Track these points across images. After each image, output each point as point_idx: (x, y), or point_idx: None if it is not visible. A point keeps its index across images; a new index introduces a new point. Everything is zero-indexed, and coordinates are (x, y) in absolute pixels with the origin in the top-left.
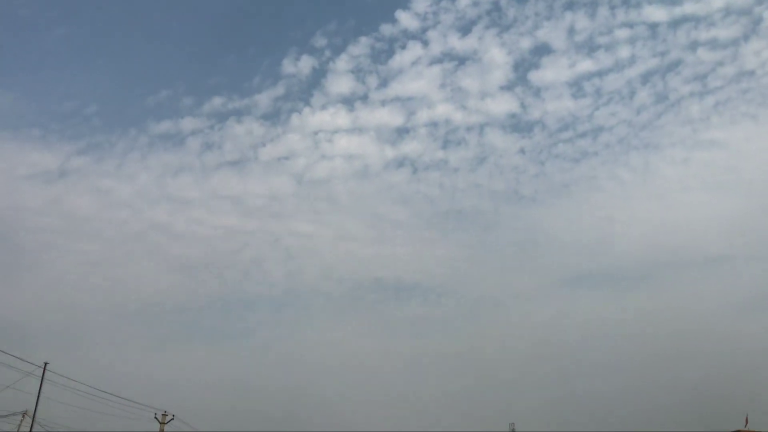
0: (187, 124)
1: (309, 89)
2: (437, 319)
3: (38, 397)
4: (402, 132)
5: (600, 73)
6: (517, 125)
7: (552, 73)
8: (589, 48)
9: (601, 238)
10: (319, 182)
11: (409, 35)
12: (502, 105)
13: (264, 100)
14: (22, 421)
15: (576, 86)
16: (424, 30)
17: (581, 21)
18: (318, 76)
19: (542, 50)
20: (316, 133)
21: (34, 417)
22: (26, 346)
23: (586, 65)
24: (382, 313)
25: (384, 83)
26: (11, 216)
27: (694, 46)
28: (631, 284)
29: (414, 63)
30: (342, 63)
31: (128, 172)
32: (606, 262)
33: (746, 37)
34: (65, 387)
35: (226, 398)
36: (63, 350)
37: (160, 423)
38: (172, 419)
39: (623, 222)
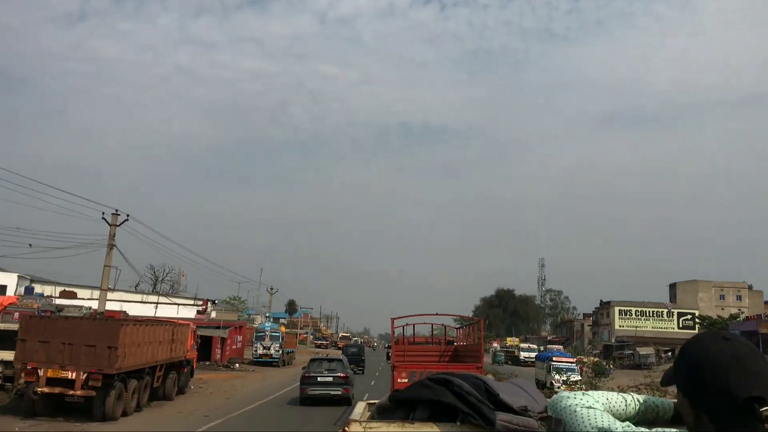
0: None
1: None
2: (464, 162)
3: None
4: None
5: None
6: None
7: None
8: None
9: (634, 78)
10: (342, 21)
11: None
12: None
13: None
14: None
15: None
16: None
17: None
18: None
19: None
20: None
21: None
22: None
23: None
24: (409, 157)
25: None
26: (36, 61)
27: None
28: (662, 125)
29: None
30: None
31: (148, 14)
32: (637, 103)
33: None
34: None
35: (261, 234)
36: (101, 191)
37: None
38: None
39: (658, 61)
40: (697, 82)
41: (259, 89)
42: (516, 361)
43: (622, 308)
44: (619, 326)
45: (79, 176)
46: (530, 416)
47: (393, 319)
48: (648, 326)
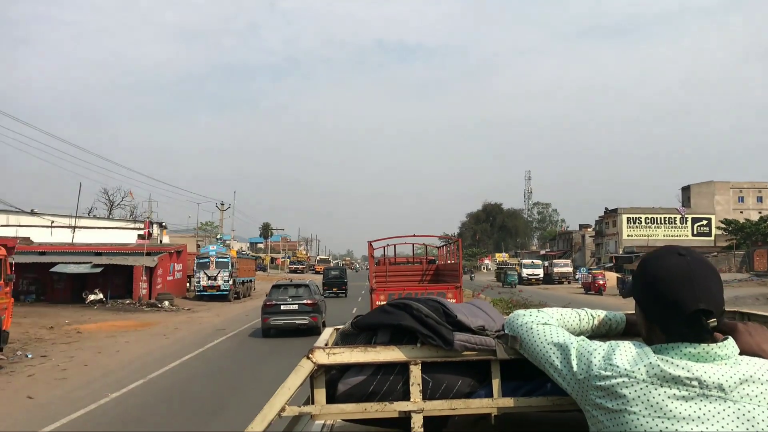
0: None
1: None
2: (441, 81)
3: None
4: None
5: None
6: None
7: None
8: None
9: None
10: None
11: None
12: None
13: None
14: None
15: None
16: None
17: None
18: None
19: None
20: None
21: None
22: (29, 121)
23: None
24: (385, 76)
25: None
26: None
27: None
28: (640, 37)
29: None
30: None
31: None
32: (616, 12)
33: None
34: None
35: (233, 163)
36: (68, 123)
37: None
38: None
39: None
40: None
41: (228, 12)
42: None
43: (631, 215)
44: (628, 236)
45: (38, 105)
46: (488, 335)
47: (370, 242)
48: (659, 234)
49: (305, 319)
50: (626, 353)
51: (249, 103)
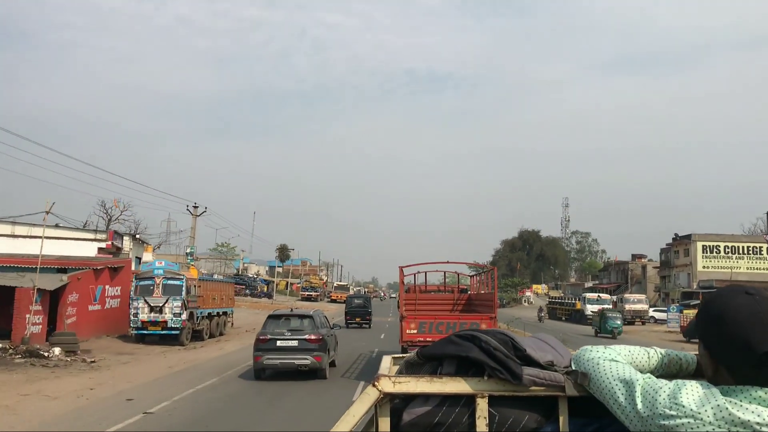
0: None
1: None
2: (470, 110)
3: None
4: None
5: None
6: None
7: None
8: None
9: (643, 19)
10: None
11: None
12: None
13: None
14: None
15: None
16: None
17: None
18: None
19: None
20: None
21: None
22: (64, 143)
23: None
24: (415, 105)
25: None
26: (35, 12)
27: None
28: (669, 69)
29: None
30: None
31: None
32: (645, 45)
33: None
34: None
35: (261, 190)
36: (103, 145)
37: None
38: (205, 211)
39: (668, 1)
40: (708, 21)
41: (260, 39)
42: (576, 317)
43: (707, 243)
44: (703, 267)
45: (78, 127)
46: (556, 370)
47: (401, 267)
48: (741, 267)
49: (307, 359)
50: (693, 393)
51: (277, 128)
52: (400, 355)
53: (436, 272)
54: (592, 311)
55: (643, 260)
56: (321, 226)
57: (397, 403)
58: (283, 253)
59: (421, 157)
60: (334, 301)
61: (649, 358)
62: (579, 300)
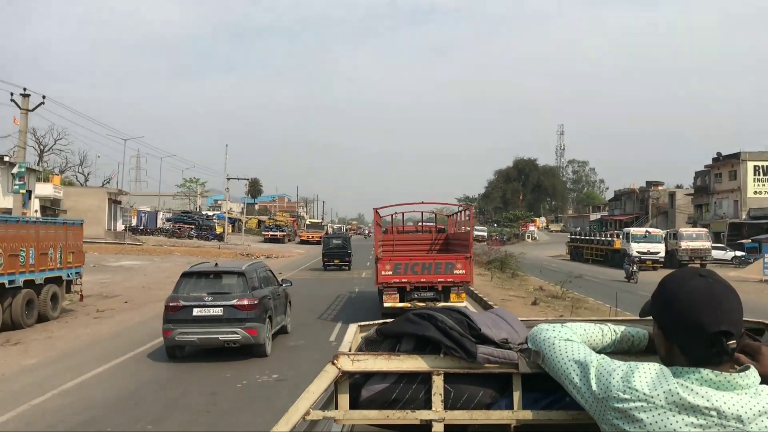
0: None
1: None
2: (454, 44)
3: None
4: None
5: None
6: None
7: None
8: None
9: None
10: None
11: None
12: None
13: None
14: None
15: None
16: None
17: None
18: None
19: None
20: None
21: None
22: (31, 80)
23: None
24: (398, 40)
25: None
26: None
27: None
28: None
29: None
30: None
31: None
32: None
33: None
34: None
35: (250, 123)
36: (76, 85)
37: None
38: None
39: None
40: None
41: None
42: (615, 259)
43: (761, 164)
44: (755, 192)
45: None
46: (510, 348)
47: (376, 209)
48: None
49: (236, 333)
50: (646, 376)
51: (258, 64)
52: (366, 323)
53: (416, 212)
54: (639, 251)
55: (659, 187)
56: (308, 161)
57: (357, 379)
58: (254, 188)
59: (410, 87)
60: (305, 242)
61: (603, 335)
62: (620, 237)
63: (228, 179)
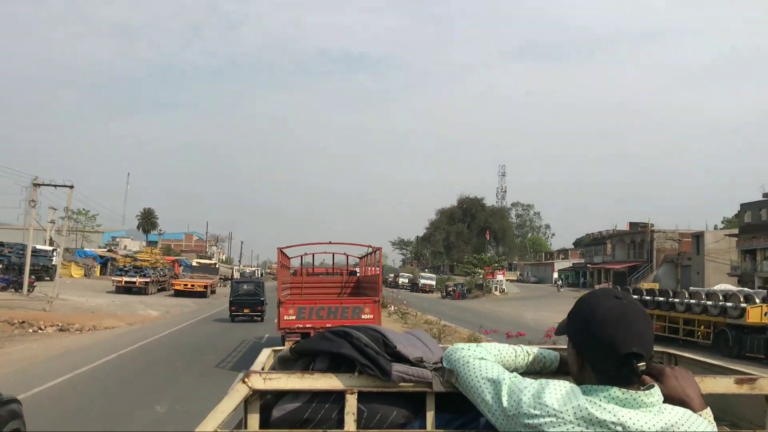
0: None
1: None
2: (383, 93)
3: None
4: None
5: None
6: None
7: None
8: None
9: (559, 6)
10: None
11: None
12: None
13: None
14: None
15: None
16: None
17: None
18: None
19: None
20: None
21: None
22: None
23: None
24: (329, 86)
25: None
26: None
27: None
28: (576, 58)
29: None
30: None
31: None
32: (556, 33)
33: None
34: None
35: (180, 161)
36: None
37: None
38: None
39: None
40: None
41: (169, 11)
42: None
43: None
44: None
45: None
46: (425, 366)
47: (280, 249)
48: None
49: None
50: (556, 392)
51: (187, 105)
52: (280, 348)
53: (326, 254)
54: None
55: (647, 225)
56: (231, 206)
57: (269, 399)
58: (147, 220)
59: (330, 138)
60: (181, 293)
61: (516, 356)
62: (714, 302)
63: (38, 185)
